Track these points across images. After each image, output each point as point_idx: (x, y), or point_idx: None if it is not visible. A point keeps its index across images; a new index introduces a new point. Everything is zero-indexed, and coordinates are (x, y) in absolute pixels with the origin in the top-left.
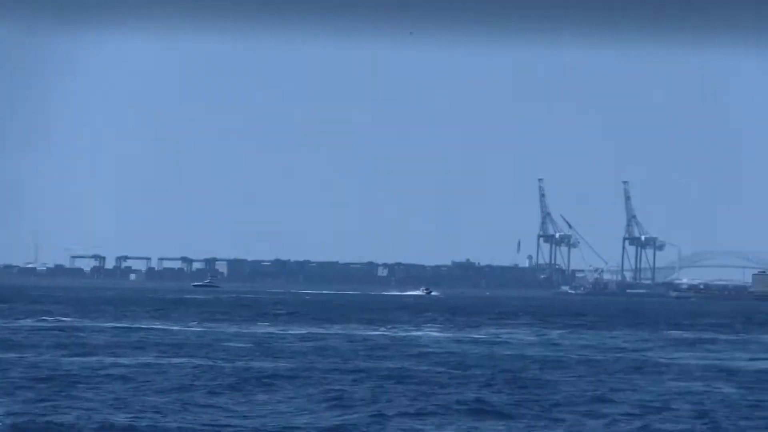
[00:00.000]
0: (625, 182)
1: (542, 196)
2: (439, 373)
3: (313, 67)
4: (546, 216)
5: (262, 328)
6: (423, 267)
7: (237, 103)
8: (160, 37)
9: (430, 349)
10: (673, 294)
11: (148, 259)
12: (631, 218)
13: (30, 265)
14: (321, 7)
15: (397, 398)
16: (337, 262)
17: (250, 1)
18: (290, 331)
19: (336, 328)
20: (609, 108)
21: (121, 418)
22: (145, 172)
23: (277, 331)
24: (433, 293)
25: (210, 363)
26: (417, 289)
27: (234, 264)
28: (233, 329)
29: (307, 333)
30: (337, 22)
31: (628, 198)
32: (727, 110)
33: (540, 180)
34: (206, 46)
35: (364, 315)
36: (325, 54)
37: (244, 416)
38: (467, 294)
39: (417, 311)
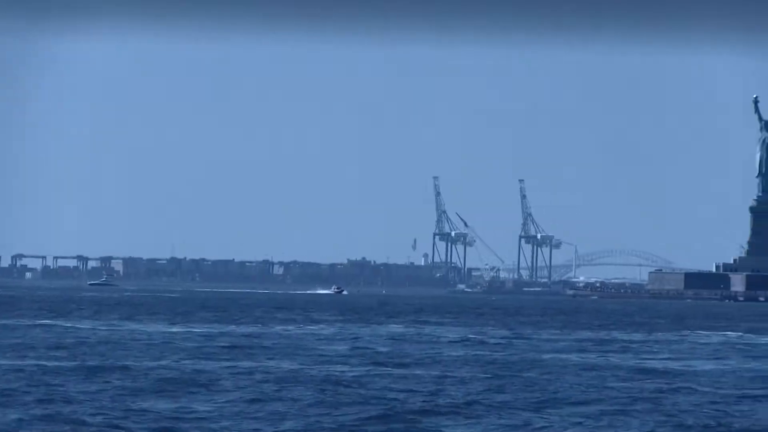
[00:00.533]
0: (521, 180)
1: (438, 194)
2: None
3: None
4: (442, 214)
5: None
6: (319, 265)
7: (141, 101)
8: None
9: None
10: (570, 292)
11: (44, 257)
12: (527, 216)
13: None
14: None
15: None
16: (232, 260)
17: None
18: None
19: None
20: (505, 106)
21: None
22: (42, 169)
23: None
24: (344, 292)
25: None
26: (329, 287)
27: (129, 262)
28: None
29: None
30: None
31: (524, 196)
32: (627, 109)
33: (435, 178)
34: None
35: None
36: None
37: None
38: (364, 292)
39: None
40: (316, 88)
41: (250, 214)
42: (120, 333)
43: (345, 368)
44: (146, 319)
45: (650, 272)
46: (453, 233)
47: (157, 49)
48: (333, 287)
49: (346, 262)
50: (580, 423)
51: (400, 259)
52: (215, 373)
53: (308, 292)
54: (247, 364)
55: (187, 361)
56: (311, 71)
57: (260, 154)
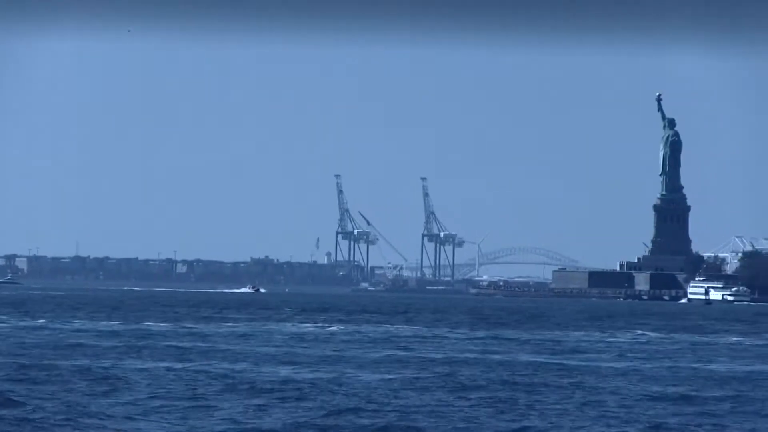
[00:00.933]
0: (423, 178)
1: (340, 192)
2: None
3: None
4: (344, 213)
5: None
6: (222, 263)
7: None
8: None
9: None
10: (473, 291)
11: None
12: (430, 215)
13: None
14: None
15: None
16: (136, 259)
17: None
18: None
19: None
20: (408, 103)
21: None
22: None
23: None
24: (261, 290)
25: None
26: (244, 286)
27: (33, 260)
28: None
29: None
30: None
31: (426, 195)
32: (531, 106)
33: (338, 176)
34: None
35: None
36: None
37: None
38: (268, 291)
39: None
40: (219, 87)
41: (153, 213)
42: None
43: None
44: None
45: (554, 271)
46: (356, 232)
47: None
48: (248, 286)
49: (249, 260)
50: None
51: (303, 258)
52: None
53: (226, 290)
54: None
55: None
56: (218, 70)
57: (164, 153)
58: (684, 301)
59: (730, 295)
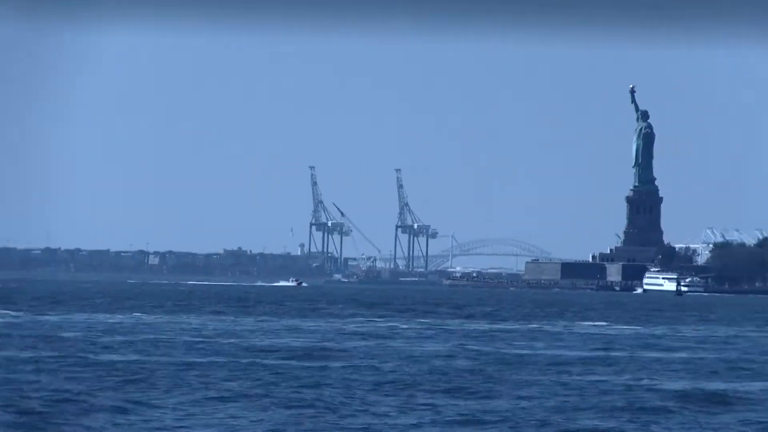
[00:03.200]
0: (397, 170)
1: (314, 184)
2: None
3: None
4: (318, 204)
5: None
6: (194, 255)
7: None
8: None
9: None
10: (447, 282)
11: None
12: (404, 206)
13: None
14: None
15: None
16: (108, 251)
17: None
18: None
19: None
20: (382, 95)
21: None
22: None
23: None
24: (303, 284)
25: None
26: (287, 279)
27: (3, 252)
28: None
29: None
30: None
31: (400, 186)
32: (502, 98)
33: (312, 168)
34: None
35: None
36: None
37: None
38: (243, 283)
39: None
40: (192, 80)
41: (125, 204)
42: None
43: None
44: None
45: (527, 262)
46: (329, 223)
47: None
48: (291, 279)
49: (222, 251)
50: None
51: (277, 249)
52: None
53: (273, 284)
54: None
55: None
56: (190, 62)
57: (136, 144)
58: (639, 291)
59: (684, 285)
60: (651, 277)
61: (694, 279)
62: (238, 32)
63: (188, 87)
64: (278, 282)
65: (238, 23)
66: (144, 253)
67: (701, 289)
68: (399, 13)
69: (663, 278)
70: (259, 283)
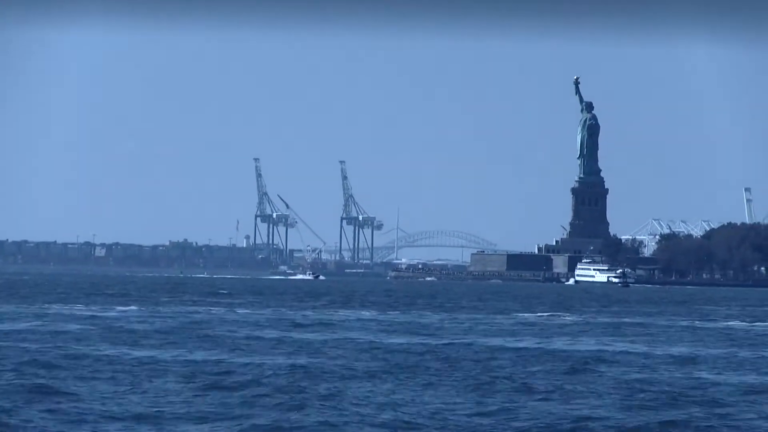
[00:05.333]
0: (342, 161)
1: (259, 176)
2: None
3: None
4: (263, 196)
5: None
6: (141, 247)
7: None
8: None
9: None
10: (392, 274)
11: None
12: (349, 198)
13: None
14: None
15: None
16: (54, 242)
17: None
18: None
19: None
20: (326, 87)
21: None
22: None
23: None
24: (321, 277)
25: None
26: (305, 273)
27: None
28: None
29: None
30: None
31: (345, 178)
32: (446, 90)
33: (256, 160)
34: None
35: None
36: None
37: None
38: (188, 274)
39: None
40: (139, 70)
41: (71, 197)
42: None
43: None
44: None
45: (472, 254)
46: (275, 215)
47: None
48: (308, 272)
49: (168, 243)
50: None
51: (222, 241)
52: None
53: (282, 277)
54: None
55: None
56: (136, 53)
57: (82, 137)
58: (571, 282)
59: (614, 277)
60: (582, 268)
61: (626, 270)
62: (185, 24)
63: (135, 80)
64: (295, 275)
65: (186, 15)
66: (90, 245)
67: (632, 281)
68: (343, 5)
69: (594, 269)
70: (277, 277)
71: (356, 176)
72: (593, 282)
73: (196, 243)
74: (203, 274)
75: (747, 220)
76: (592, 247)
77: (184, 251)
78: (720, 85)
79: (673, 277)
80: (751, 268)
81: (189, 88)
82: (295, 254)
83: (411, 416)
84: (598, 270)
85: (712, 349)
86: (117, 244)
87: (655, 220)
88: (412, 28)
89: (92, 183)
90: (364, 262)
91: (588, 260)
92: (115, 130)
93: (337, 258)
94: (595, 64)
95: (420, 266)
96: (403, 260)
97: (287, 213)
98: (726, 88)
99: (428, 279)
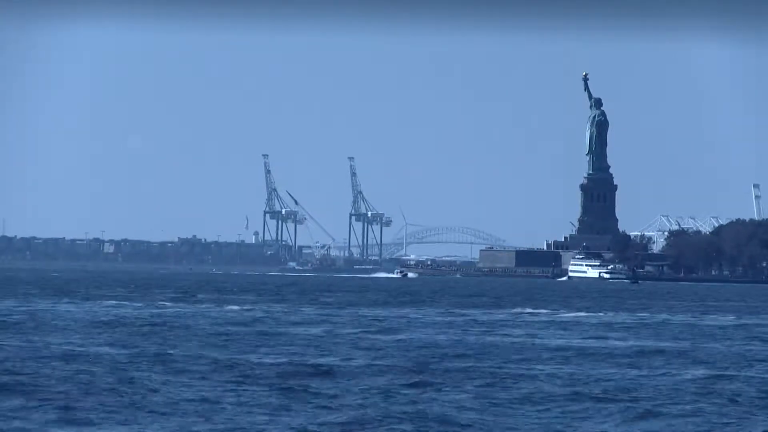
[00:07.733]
0: (350, 158)
1: (268, 172)
2: None
3: None
4: (272, 192)
5: None
6: (149, 243)
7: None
8: None
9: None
10: (398, 270)
11: None
12: (358, 194)
13: None
14: None
15: None
16: (63, 239)
17: None
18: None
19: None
20: (334, 84)
21: None
22: None
23: None
24: (409, 275)
25: None
26: (391, 271)
27: None
28: None
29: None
30: None
31: (353, 174)
32: (453, 88)
33: (265, 156)
34: None
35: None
36: None
37: None
38: (196, 271)
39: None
40: (147, 67)
41: (80, 193)
42: None
43: None
44: None
45: (481, 250)
46: (283, 211)
47: None
48: (397, 271)
49: (176, 240)
50: None
51: (231, 237)
52: None
53: (374, 275)
54: None
55: None
56: (143, 51)
57: (90, 132)
58: (564, 279)
59: (606, 273)
60: (575, 264)
61: (617, 266)
62: (192, 21)
63: (144, 76)
64: (377, 273)
65: (191, 12)
66: (99, 241)
67: (623, 277)
68: (350, 4)
69: (586, 265)
70: (359, 276)
71: (365, 173)
72: (584, 278)
73: (205, 239)
74: (213, 270)
75: (755, 217)
76: (584, 243)
77: (192, 247)
78: (729, 82)
79: (682, 274)
80: (760, 264)
81: (198, 84)
82: (304, 250)
83: None
84: (590, 265)
85: None
86: (126, 240)
87: (663, 216)
88: (422, 25)
89: (101, 179)
90: (373, 258)
91: (581, 256)
92: (124, 126)
93: (347, 254)
94: (604, 61)
95: (429, 262)
96: (412, 256)
97: (296, 209)
98: (735, 85)
99: (457, 276)
